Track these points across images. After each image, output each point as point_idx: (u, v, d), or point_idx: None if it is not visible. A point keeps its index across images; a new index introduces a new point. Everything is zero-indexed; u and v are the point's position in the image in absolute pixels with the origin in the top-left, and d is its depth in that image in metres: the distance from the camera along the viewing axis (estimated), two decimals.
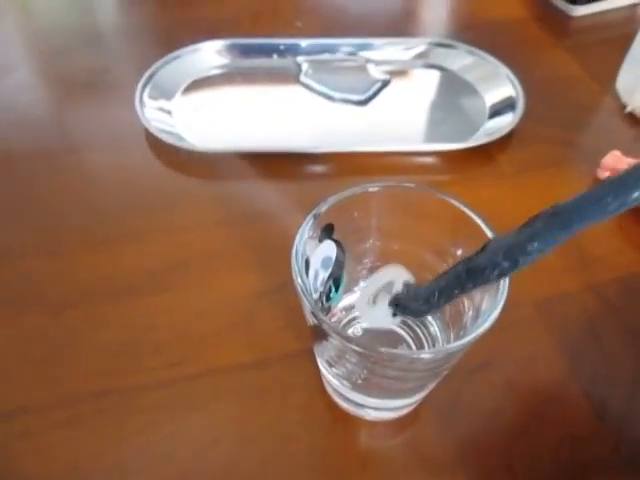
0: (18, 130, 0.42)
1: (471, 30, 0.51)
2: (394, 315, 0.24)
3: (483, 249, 0.20)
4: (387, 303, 0.24)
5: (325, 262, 0.25)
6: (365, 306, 0.25)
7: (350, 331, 0.28)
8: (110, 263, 0.33)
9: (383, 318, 0.24)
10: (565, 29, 0.53)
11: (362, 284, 0.29)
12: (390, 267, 0.25)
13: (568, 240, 0.18)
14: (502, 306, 0.22)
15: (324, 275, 0.26)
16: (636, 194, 0.16)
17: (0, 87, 0.45)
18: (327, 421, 0.28)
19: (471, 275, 0.20)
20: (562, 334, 0.31)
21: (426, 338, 0.27)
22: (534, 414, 0.28)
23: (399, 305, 0.23)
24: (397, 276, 0.24)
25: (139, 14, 0.54)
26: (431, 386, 0.26)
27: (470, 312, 0.25)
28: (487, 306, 0.23)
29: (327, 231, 0.25)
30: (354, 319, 0.29)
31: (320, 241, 0.24)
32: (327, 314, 0.28)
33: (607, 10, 0.54)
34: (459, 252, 0.25)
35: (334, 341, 0.21)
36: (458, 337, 0.25)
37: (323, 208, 0.24)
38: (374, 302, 0.24)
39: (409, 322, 0.28)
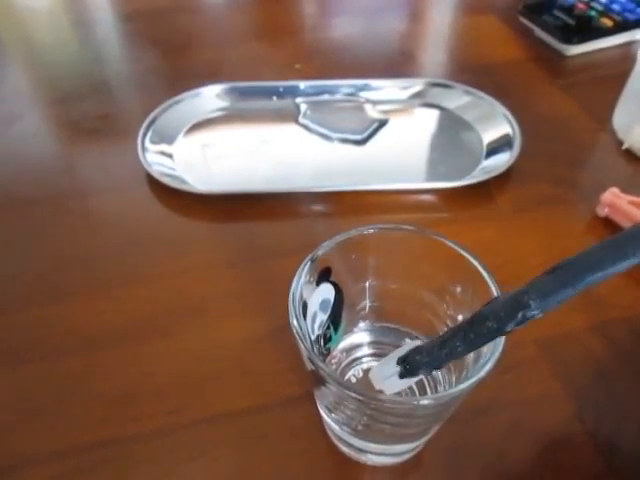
0: (23, 176, 0.42)
1: (468, 71, 0.52)
2: (401, 376, 0.22)
3: (489, 302, 0.19)
4: (395, 362, 0.23)
5: (323, 304, 0.25)
6: (376, 369, 0.23)
7: (351, 373, 0.28)
8: (110, 309, 0.33)
9: (390, 378, 0.23)
10: (560, 68, 0.54)
11: (362, 325, 0.28)
12: (411, 343, 0.24)
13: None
14: (502, 347, 0.21)
15: (323, 318, 0.26)
16: (634, 260, 0.16)
17: (6, 134, 0.46)
18: (328, 467, 0.27)
19: (473, 326, 0.19)
20: (566, 374, 0.30)
21: (428, 381, 0.27)
22: (540, 457, 0.28)
23: (405, 361, 0.22)
24: None
25: (141, 62, 0.55)
26: (433, 430, 0.25)
27: (472, 353, 0.24)
28: (488, 347, 0.22)
29: (324, 274, 0.25)
30: (355, 360, 0.28)
31: (317, 284, 0.24)
32: (327, 356, 0.27)
33: (601, 49, 0.55)
34: (458, 290, 0.25)
35: (332, 387, 0.21)
36: (460, 379, 0.25)
37: (320, 252, 0.24)
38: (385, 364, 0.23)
39: None
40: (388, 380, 0.22)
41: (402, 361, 0.22)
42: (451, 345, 0.20)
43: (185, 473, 0.27)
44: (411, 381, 0.23)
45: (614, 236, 0.17)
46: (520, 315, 0.18)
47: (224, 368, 0.31)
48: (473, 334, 0.19)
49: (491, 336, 0.19)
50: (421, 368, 0.22)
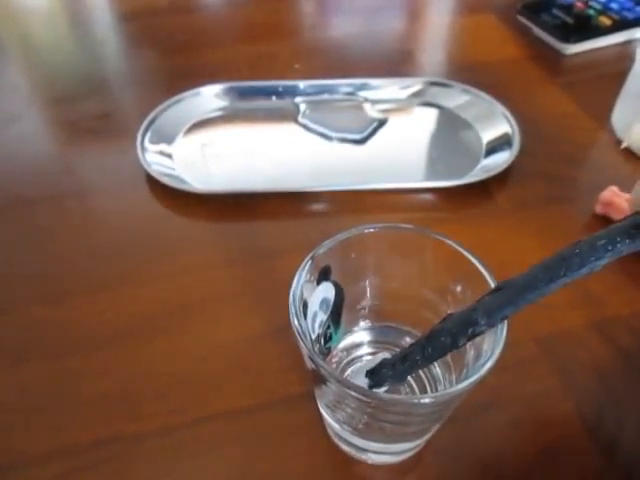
0: (22, 176, 0.42)
1: (467, 70, 0.52)
2: (370, 387, 0.23)
3: (444, 319, 0.21)
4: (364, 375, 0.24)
5: (323, 304, 0.25)
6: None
7: (350, 370, 0.28)
8: (110, 308, 0.33)
9: None
10: (559, 67, 0.54)
11: (362, 324, 0.28)
12: (380, 355, 0.25)
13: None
14: (502, 347, 0.21)
15: (323, 317, 0.26)
16: (566, 279, 0.18)
17: (5, 134, 0.46)
18: (329, 466, 0.27)
19: (429, 341, 0.21)
20: (565, 372, 0.30)
21: (428, 379, 0.27)
22: (540, 455, 0.28)
23: (373, 374, 0.24)
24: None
25: (141, 61, 0.55)
26: (434, 429, 0.25)
27: (472, 352, 0.24)
28: (488, 345, 0.22)
29: (325, 273, 0.25)
30: (356, 359, 0.28)
31: (318, 283, 0.24)
32: (327, 355, 0.27)
33: (600, 48, 0.55)
34: (458, 289, 0.25)
35: (332, 386, 0.21)
36: (460, 377, 0.25)
37: (320, 251, 0.24)
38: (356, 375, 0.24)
39: None
40: None
41: (370, 374, 0.23)
42: (411, 359, 0.22)
43: (186, 471, 0.27)
44: (384, 389, 0.24)
45: (548, 258, 0.19)
46: (470, 331, 0.20)
47: (225, 367, 0.31)
48: (430, 348, 0.21)
49: (446, 350, 0.21)
50: (387, 380, 0.23)
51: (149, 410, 0.29)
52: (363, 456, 0.27)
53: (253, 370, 0.31)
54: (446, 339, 0.20)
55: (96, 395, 0.30)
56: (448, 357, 0.26)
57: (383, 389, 0.24)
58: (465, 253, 0.24)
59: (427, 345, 0.21)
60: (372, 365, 0.24)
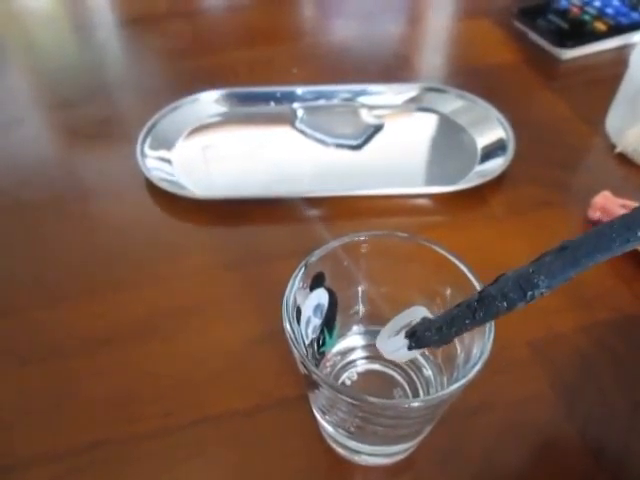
0: (22, 180, 0.43)
1: (462, 75, 0.53)
2: (409, 348, 0.23)
3: (496, 280, 0.20)
4: (404, 335, 0.23)
5: (317, 310, 0.26)
6: (384, 340, 0.24)
7: (345, 375, 0.28)
8: (110, 311, 0.34)
9: (400, 350, 0.23)
10: (554, 72, 0.54)
11: (355, 329, 0.29)
12: (413, 309, 0.24)
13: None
14: (490, 350, 0.22)
15: (317, 322, 0.26)
16: None
17: (6, 139, 0.47)
18: (324, 468, 0.28)
19: (482, 305, 0.20)
20: (557, 375, 0.31)
21: (420, 382, 0.28)
22: (531, 457, 0.28)
23: (414, 336, 0.23)
24: (418, 316, 0.24)
25: (141, 67, 0.56)
26: (426, 431, 0.26)
27: (462, 355, 0.25)
28: (477, 349, 0.23)
29: (318, 280, 0.25)
30: (349, 363, 0.29)
31: (311, 290, 0.25)
32: (321, 359, 0.28)
33: (595, 53, 0.56)
34: (447, 292, 0.26)
35: (324, 390, 0.22)
36: (451, 380, 0.25)
37: (312, 258, 0.24)
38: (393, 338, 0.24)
39: (403, 366, 0.28)
40: (398, 352, 0.23)
41: (411, 335, 0.23)
42: (460, 323, 0.20)
43: (182, 473, 0.27)
44: (420, 351, 0.23)
45: (623, 217, 0.17)
46: (529, 294, 0.18)
47: (221, 369, 0.31)
48: (482, 313, 0.20)
49: (500, 314, 0.19)
50: (430, 344, 0.22)
51: (146, 412, 0.29)
52: (356, 458, 0.27)
53: (249, 372, 0.31)
54: (501, 303, 0.19)
55: (94, 397, 0.30)
56: (439, 359, 0.27)
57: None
58: (452, 258, 0.24)
59: (479, 310, 0.20)
60: (406, 321, 0.23)
